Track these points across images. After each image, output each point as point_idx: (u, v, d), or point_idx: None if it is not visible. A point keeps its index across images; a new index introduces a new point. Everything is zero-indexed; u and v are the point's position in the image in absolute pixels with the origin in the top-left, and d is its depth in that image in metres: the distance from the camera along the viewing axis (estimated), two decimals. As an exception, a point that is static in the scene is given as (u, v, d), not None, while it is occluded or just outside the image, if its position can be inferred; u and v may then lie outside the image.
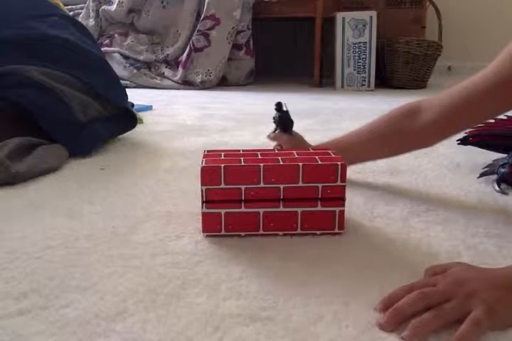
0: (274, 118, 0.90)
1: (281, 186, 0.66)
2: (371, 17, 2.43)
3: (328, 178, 0.66)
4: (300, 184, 0.66)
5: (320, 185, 0.66)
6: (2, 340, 0.46)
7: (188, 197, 0.85)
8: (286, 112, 0.88)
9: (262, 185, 0.66)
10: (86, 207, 0.80)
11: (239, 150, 0.74)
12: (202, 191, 0.66)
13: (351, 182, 0.90)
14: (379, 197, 0.85)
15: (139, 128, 1.34)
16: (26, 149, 1.01)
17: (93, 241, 0.67)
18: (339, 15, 2.47)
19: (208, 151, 0.73)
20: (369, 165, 1.04)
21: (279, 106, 0.87)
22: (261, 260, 0.61)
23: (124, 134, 1.28)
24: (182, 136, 1.37)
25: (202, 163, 0.67)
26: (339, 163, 0.66)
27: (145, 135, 1.37)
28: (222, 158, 0.69)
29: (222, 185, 0.66)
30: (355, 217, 0.75)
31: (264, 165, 0.65)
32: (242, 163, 0.66)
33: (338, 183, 0.67)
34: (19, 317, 0.49)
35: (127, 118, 1.27)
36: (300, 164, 0.66)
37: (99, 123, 1.17)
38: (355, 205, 0.80)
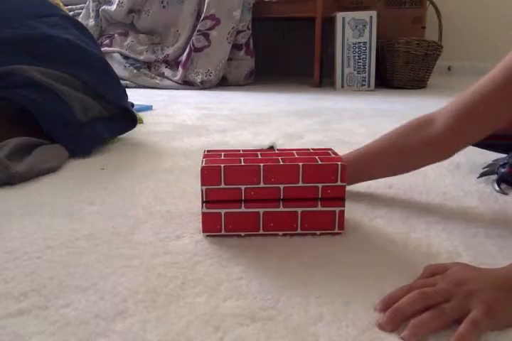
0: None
1: (281, 186, 0.66)
2: (371, 17, 2.43)
3: (329, 178, 0.66)
4: (300, 184, 0.66)
5: (320, 185, 0.66)
6: (2, 340, 0.46)
7: (188, 197, 0.85)
8: None
9: (262, 185, 0.66)
10: (86, 207, 0.80)
11: (239, 150, 0.74)
12: (202, 191, 0.66)
13: (351, 182, 0.90)
14: (379, 197, 0.85)
15: (138, 128, 1.34)
16: (26, 149, 1.01)
17: (93, 241, 0.67)
18: (339, 15, 2.47)
19: (207, 151, 0.73)
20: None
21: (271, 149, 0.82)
22: (261, 260, 0.61)
23: (124, 134, 1.28)
24: (182, 136, 1.37)
25: (202, 163, 0.67)
26: (339, 163, 0.66)
27: (145, 135, 1.37)
28: (222, 158, 0.69)
29: (222, 185, 0.66)
30: (355, 217, 0.75)
31: (264, 165, 0.65)
32: (242, 163, 0.66)
33: (338, 183, 0.67)
34: (19, 317, 0.49)
35: (127, 118, 1.26)
36: (300, 164, 0.66)
37: (100, 123, 1.17)
38: (355, 205, 0.80)
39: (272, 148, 0.83)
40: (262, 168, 0.65)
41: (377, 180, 0.94)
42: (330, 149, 0.74)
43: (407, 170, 0.85)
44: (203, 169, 0.65)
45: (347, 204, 0.69)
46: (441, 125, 0.74)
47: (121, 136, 1.28)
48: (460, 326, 0.45)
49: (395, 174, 0.86)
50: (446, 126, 0.73)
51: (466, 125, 0.72)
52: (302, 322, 0.48)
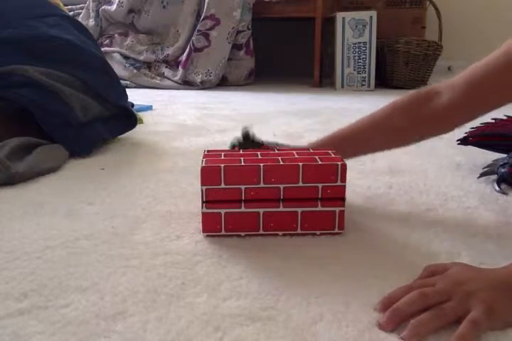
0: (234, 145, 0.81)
1: (281, 186, 0.66)
2: (371, 17, 2.43)
3: (328, 178, 0.66)
4: (300, 184, 0.66)
5: (320, 185, 0.66)
6: (2, 340, 0.46)
7: (188, 197, 0.85)
8: (251, 143, 0.80)
9: (262, 185, 0.66)
10: (86, 207, 0.80)
11: (239, 150, 0.74)
12: (202, 191, 0.66)
13: (351, 182, 0.90)
14: (379, 197, 0.85)
15: (139, 128, 1.34)
16: (26, 149, 1.01)
17: (93, 241, 0.67)
18: (339, 15, 2.47)
19: (207, 151, 0.73)
20: (369, 165, 1.05)
21: (246, 135, 0.79)
22: (261, 260, 0.61)
23: (124, 134, 1.28)
24: (182, 136, 1.37)
25: (202, 163, 0.67)
26: (339, 163, 0.66)
27: (145, 135, 1.37)
28: (222, 158, 0.69)
29: (222, 185, 0.66)
30: (355, 217, 0.75)
31: (264, 165, 0.65)
32: (242, 163, 0.66)
33: (338, 183, 0.66)
34: (19, 317, 0.49)
35: (127, 118, 1.27)
36: (300, 164, 0.66)
37: (99, 123, 1.17)
38: (355, 205, 0.80)
39: (247, 134, 0.79)
40: (262, 168, 0.65)
41: (377, 180, 0.94)
42: (330, 149, 0.74)
43: (408, 144, 0.82)
44: (202, 169, 0.65)
45: (347, 204, 0.69)
46: (448, 98, 0.72)
47: (121, 136, 1.28)
48: (460, 326, 0.45)
49: (390, 148, 0.84)
50: (453, 99, 0.72)
51: (474, 100, 0.71)
52: (302, 322, 0.48)
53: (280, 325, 0.48)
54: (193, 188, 0.88)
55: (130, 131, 1.29)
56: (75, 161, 1.07)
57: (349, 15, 2.46)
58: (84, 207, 0.80)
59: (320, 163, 0.66)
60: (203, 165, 0.66)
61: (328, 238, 0.68)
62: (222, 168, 0.65)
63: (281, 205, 0.67)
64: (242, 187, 0.66)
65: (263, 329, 0.47)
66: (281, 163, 0.66)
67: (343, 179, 0.66)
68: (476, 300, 0.47)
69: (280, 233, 0.68)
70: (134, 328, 0.47)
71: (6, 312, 0.50)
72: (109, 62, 1.34)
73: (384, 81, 2.63)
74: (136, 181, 0.94)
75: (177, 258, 0.62)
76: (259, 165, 0.65)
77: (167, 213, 0.77)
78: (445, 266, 0.54)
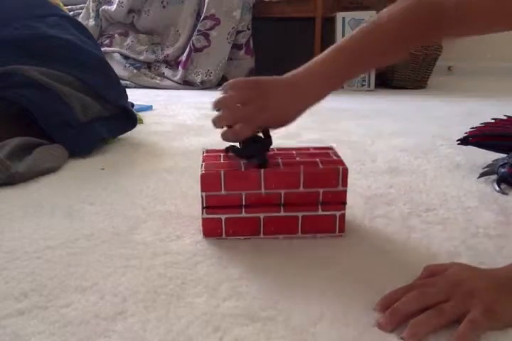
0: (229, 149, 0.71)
1: (282, 191, 0.66)
2: (371, 17, 2.43)
3: (330, 183, 0.66)
4: (301, 189, 0.66)
5: (321, 190, 0.66)
6: (2, 340, 0.46)
7: (188, 197, 0.85)
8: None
9: (262, 190, 0.65)
10: (86, 207, 0.80)
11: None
12: (202, 197, 0.65)
13: (351, 183, 0.89)
14: (379, 197, 0.85)
15: (139, 128, 1.33)
16: (26, 149, 1.01)
17: (93, 241, 0.67)
18: (339, 15, 2.47)
19: (207, 152, 0.73)
20: (369, 165, 1.05)
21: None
22: (261, 260, 0.61)
23: (124, 134, 1.28)
24: (182, 136, 1.37)
25: (201, 166, 0.66)
26: (340, 167, 0.65)
27: (145, 135, 1.37)
28: (222, 161, 0.68)
29: (223, 191, 0.65)
30: (355, 217, 0.75)
31: (264, 172, 0.64)
32: (243, 169, 0.65)
33: (340, 188, 0.66)
34: (19, 317, 0.49)
35: (127, 118, 1.26)
36: (301, 170, 0.65)
37: (99, 123, 1.17)
38: (355, 205, 0.80)
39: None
40: (262, 174, 0.65)
41: (377, 180, 0.94)
42: (330, 148, 0.74)
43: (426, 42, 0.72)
44: (202, 176, 0.64)
45: (347, 204, 0.69)
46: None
47: (121, 136, 1.28)
48: (460, 326, 0.45)
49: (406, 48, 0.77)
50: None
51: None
52: (302, 322, 0.48)
53: (280, 325, 0.48)
54: (193, 188, 0.88)
55: (130, 131, 1.29)
56: (75, 161, 1.07)
57: (349, 15, 2.46)
58: (84, 207, 0.80)
59: (321, 167, 0.65)
60: (203, 170, 0.65)
61: (329, 238, 0.68)
62: (222, 174, 0.64)
63: (281, 210, 0.66)
64: (243, 192, 0.65)
65: (263, 330, 0.47)
66: (282, 167, 0.66)
67: (345, 183, 0.66)
68: (475, 300, 0.47)
69: (281, 236, 0.68)
70: (134, 328, 0.47)
71: (6, 312, 0.50)
72: (109, 62, 1.34)
73: (384, 81, 2.63)
74: (136, 181, 0.94)
75: (177, 258, 0.62)
76: (260, 172, 0.65)
77: (167, 213, 0.77)
78: (445, 266, 0.54)
